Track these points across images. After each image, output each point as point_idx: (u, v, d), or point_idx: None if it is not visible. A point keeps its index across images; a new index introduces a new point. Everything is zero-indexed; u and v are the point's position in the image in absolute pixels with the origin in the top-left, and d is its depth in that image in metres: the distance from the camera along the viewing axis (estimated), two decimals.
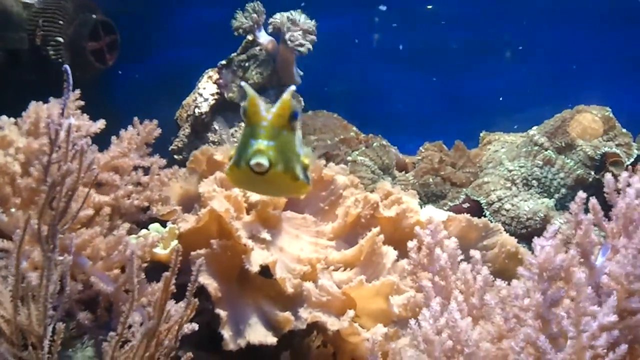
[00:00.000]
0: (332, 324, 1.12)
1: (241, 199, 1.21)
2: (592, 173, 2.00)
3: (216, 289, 1.07)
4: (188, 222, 1.19)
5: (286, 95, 0.70)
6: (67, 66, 0.97)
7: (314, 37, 2.16)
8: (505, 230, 1.51)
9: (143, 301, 1.05)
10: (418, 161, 2.15)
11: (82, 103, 1.34)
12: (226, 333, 1.04)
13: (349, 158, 2.09)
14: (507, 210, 1.91)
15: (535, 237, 0.79)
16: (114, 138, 1.37)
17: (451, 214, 1.50)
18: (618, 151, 1.99)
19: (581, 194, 0.84)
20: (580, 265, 0.81)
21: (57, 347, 0.85)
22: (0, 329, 0.85)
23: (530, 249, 0.84)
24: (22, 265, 0.89)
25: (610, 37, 2.56)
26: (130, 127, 1.41)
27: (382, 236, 1.24)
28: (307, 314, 1.12)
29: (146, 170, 1.39)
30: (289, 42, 2.13)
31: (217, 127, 2.21)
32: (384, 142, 2.20)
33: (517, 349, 0.74)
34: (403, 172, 2.17)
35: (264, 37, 2.22)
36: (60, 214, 0.86)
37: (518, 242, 1.45)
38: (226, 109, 2.23)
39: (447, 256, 0.89)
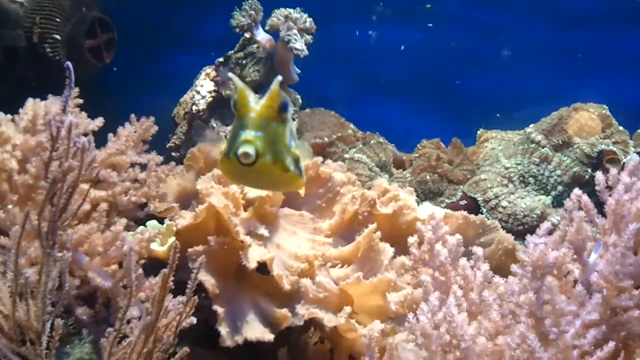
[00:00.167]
0: (329, 320, 1.12)
1: (239, 195, 1.22)
2: (589, 170, 2.01)
3: (214, 286, 1.07)
4: (185, 218, 1.20)
5: (274, 86, 0.69)
6: (69, 63, 0.97)
7: (311, 36, 2.16)
8: (502, 227, 1.52)
9: (141, 296, 1.06)
10: (415, 158, 2.16)
11: (80, 101, 1.34)
12: (223, 330, 1.05)
13: (347, 155, 2.09)
14: (504, 208, 1.91)
15: (528, 235, 0.79)
16: (110, 135, 1.37)
17: (448, 211, 1.51)
18: (615, 149, 2.00)
19: (577, 191, 0.84)
20: (574, 262, 0.81)
21: (55, 343, 0.86)
22: None
23: None
24: (20, 261, 0.89)
25: (609, 35, 2.56)
26: (127, 124, 1.41)
27: (379, 233, 1.24)
28: (304, 311, 1.12)
29: (143, 167, 1.39)
30: (286, 41, 2.13)
31: (214, 125, 2.21)
32: (382, 139, 2.21)
33: (513, 345, 0.74)
34: (400, 170, 2.18)
35: (261, 35, 2.22)
36: (60, 211, 0.86)
37: (515, 239, 1.46)
38: (223, 106, 2.22)
39: (447, 252, 0.88)
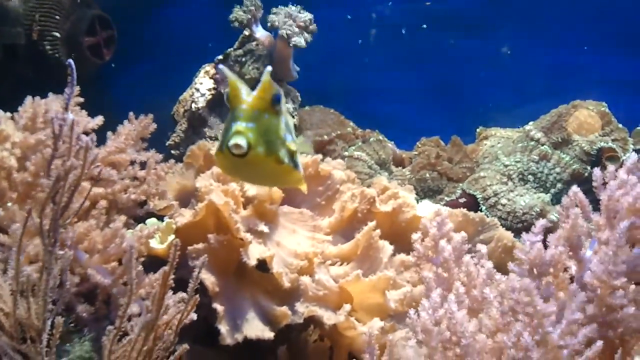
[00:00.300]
0: (328, 318, 1.12)
1: (238, 193, 1.22)
2: (589, 168, 2.01)
3: (213, 284, 1.08)
4: (185, 216, 1.20)
5: (265, 77, 0.68)
6: (71, 61, 0.97)
7: (311, 34, 2.16)
8: (501, 225, 1.52)
9: (141, 293, 1.06)
10: (415, 156, 2.16)
11: (81, 100, 1.34)
12: (223, 328, 1.05)
13: (346, 153, 2.09)
14: (504, 205, 1.92)
15: (524, 233, 0.79)
16: (109, 133, 1.37)
17: (448, 208, 1.51)
18: (614, 146, 2.00)
19: (574, 189, 0.84)
20: (570, 259, 0.81)
21: (55, 340, 0.86)
22: (0, 322, 0.86)
23: None
24: (20, 259, 0.89)
25: (608, 34, 2.56)
26: (126, 122, 1.41)
27: (378, 231, 1.25)
28: (304, 308, 1.13)
29: (142, 165, 1.39)
30: (285, 35, 2.13)
31: (214, 122, 2.21)
32: (381, 137, 2.21)
33: (509, 343, 0.74)
34: (400, 167, 2.18)
35: (260, 32, 2.22)
36: (62, 209, 0.86)
37: (514, 237, 1.46)
38: (223, 104, 2.20)
39: (451, 248, 0.88)
